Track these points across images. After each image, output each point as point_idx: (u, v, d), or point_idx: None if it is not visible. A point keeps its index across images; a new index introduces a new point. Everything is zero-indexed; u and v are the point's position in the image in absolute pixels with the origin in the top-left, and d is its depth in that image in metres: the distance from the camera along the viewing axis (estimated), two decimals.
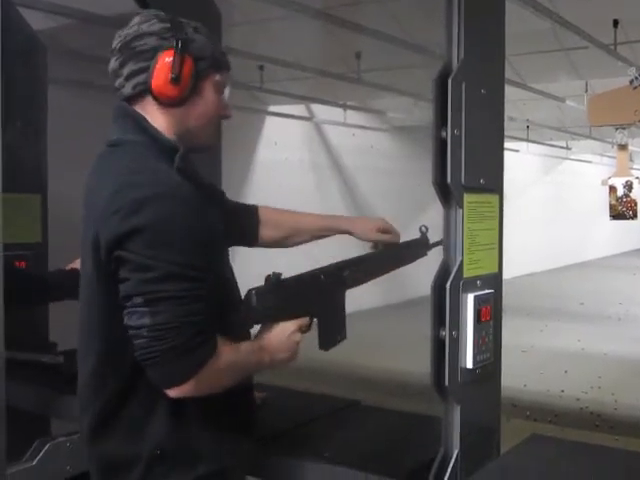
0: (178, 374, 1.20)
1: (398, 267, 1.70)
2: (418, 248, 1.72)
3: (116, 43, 1.34)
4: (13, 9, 2.51)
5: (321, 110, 7.93)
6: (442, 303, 1.39)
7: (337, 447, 1.61)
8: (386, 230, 1.70)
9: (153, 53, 1.30)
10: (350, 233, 1.71)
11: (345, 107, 7.80)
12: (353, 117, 8.30)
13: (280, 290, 1.37)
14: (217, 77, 1.38)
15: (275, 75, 5.55)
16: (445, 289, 1.39)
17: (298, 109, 7.80)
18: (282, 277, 1.36)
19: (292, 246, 1.75)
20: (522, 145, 11.32)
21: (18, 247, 2.43)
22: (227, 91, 1.42)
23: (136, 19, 1.35)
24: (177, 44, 1.29)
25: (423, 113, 7.88)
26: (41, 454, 1.68)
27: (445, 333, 1.40)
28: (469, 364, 1.43)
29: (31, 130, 2.57)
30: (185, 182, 1.28)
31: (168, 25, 1.32)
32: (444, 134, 1.38)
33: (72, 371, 2.20)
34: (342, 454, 1.57)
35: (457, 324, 1.41)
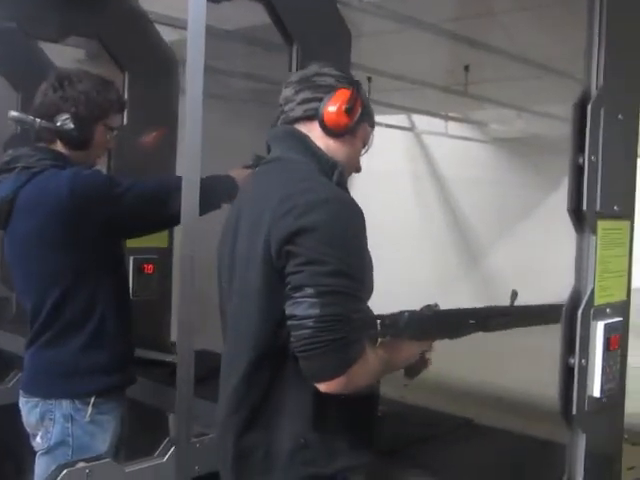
0: (333, 367, 1.27)
1: (532, 325, 1.64)
2: (553, 313, 1.67)
3: (294, 78, 1.52)
4: (152, 26, 2.69)
5: (422, 121, 7.92)
6: (573, 330, 1.39)
7: (452, 467, 1.63)
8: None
9: (330, 89, 1.47)
10: None
11: (447, 118, 7.76)
12: (454, 128, 8.24)
13: (431, 320, 1.42)
14: (368, 128, 1.54)
15: (381, 86, 5.60)
16: (576, 316, 1.39)
17: (398, 119, 7.82)
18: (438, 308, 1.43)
19: None
20: None
21: (147, 251, 2.63)
22: (368, 147, 1.56)
23: (315, 65, 1.52)
24: (354, 86, 1.47)
25: (525, 125, 7.79)
26: (170, 452, 1.77)
27: (574, 361, 1.39)
28: (596, 393, 1.41)
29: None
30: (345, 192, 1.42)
31: (345, 75, 1.51)
32: (581, 160, 1.38)
33: (199, 373, 2.33)
34: (457, 474, 1.59)
35: (586, 352, 1.40)
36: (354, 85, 1.48)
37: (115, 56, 2.59)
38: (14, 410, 2.10)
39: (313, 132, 1.48)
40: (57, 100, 1.91)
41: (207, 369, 2.40)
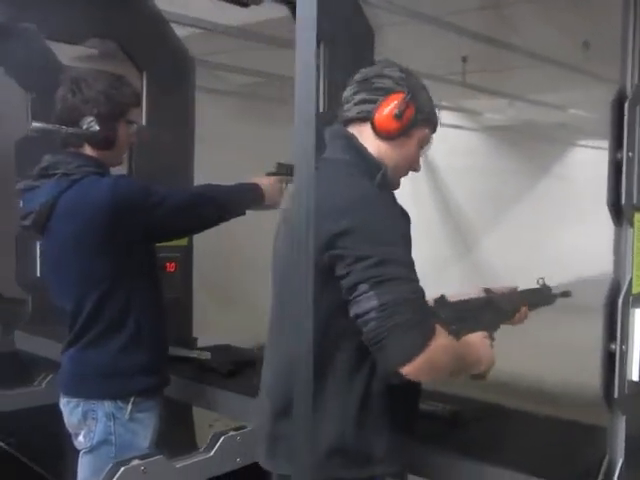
0: (408, 348, 1.28)
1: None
2: (549, 296, 1.86)
3: (357, 77, 1.55)
4: (169, 27, 2.71)
5: None
6: (614, 318, 1.45)
7: (489, 448, 1.69)
8: None
9: (386, 92, 1.51)
10: None
11: (440, 107, 7.80)
12: (445, 116, 8.29)
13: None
14: (425, 131, 1.56)
15: None
16: (617, 305, 1.45)
17: None
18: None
19: None
20: None
21: (169, 249, 2.66)
22: (426, 148, 1.59)
23: (379, 65, 1.55)
24: (408, 91, 1.50)
25: (517, 113, 7.86)
26: (217, 446, 1.84)
27: (616, 347, 1.46)
28: (635, 377, 1.48)
29: (181, 135, 2.75)
30: (383, 193, 1.46)
31: (404, 76, 1.53)
32: (619, 156, 1.44)
33: (227, 369, 2.38)
34: (496, 456, 1.65)
35: (626, 338, 1.47)
36: (411, 89, 1.50)
37: (133, 57, 2.61)
38: (49, 411, 2.15)
39: (364, 133, 1.53)
40: (78, 104, 1.94)
41: (235, 364, 2.46)
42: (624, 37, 1.45)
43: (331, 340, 1.42)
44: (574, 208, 10.34)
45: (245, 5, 1.89)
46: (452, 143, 8.82)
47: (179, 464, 1.77)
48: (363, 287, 1.31)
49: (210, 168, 2.92)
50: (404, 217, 1.51)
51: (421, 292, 1.35)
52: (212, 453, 1.83)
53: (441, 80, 5.51)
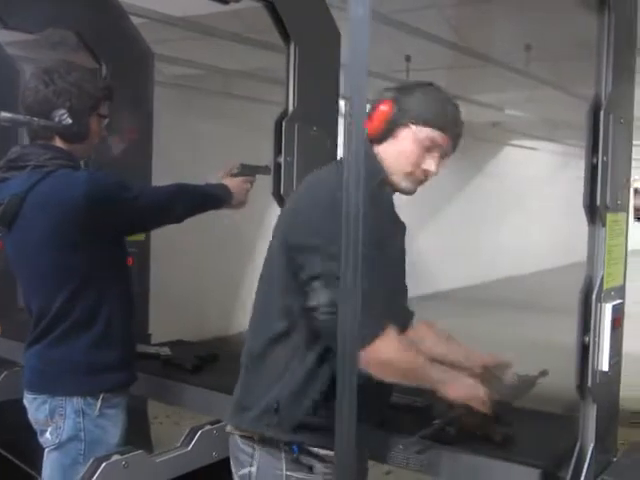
0: (371, 333, 1.42)
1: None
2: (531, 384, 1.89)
3: None
4: (128, 19, 2.66)
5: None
6: (587, 312, 1.55)
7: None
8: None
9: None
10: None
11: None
12: None
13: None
14: (415, 129, 1.57)
15: None
16: (591, 300, 1.55)
17: None
18: None
19: None
20: None
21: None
22: (435, 162, 1.61)
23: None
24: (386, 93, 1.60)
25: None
26: (194, 441, 1.84)
27: (589, 339, 1.56)
28: (605, 367, 1.59)
29: (140, 130, 2.71)
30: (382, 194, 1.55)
31: (402, 86, 1.66)
32: (595, 161, 1.53)
33: (191, 364, 2.36)
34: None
35: (598, 331, 1.57)
36: (396, 93, 1.59)
37: (92, 48, 2.54)
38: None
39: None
40: (50, 95, 1.88)
41: (199, 359, 2.45)
42: (599, 48, 1.55)
43: (294, 315, 1.52)
44: (506, 206, 10.73)
45: (225, 2, 1.88)
46: None
47: (159, 459, 1.77)
48: (316, 284, 1.42)
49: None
50: (396, 224, 1.59)
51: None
52: (190, 448, 1.84)
53: (384, 78, 5.59)
